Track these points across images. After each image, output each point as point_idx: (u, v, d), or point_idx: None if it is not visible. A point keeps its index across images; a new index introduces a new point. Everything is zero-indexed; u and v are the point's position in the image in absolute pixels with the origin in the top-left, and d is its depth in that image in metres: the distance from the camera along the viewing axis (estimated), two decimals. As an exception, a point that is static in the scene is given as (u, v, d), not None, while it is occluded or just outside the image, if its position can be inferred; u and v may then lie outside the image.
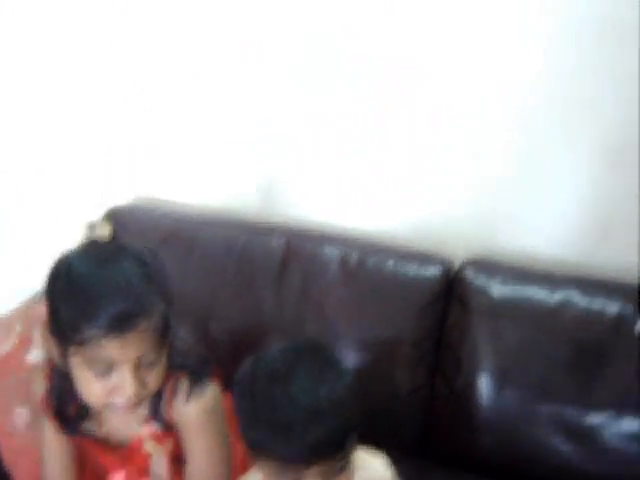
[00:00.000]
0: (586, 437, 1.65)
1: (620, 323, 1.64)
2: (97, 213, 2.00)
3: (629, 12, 1.57)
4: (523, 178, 1.80)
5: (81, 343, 1.19)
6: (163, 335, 1.26)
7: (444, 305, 1.80)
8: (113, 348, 1.19)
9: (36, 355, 1.44)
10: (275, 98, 1.93)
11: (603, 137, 1.71)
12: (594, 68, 1.66)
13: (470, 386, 1.75)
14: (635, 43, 1.59)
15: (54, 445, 1.40)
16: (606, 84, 1.66)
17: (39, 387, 1.37)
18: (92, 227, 1.47)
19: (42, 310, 1.43)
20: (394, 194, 1.92)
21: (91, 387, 1.23)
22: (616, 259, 1.77)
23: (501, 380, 1.72)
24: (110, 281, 1.21)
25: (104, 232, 1.43)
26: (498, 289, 1.73)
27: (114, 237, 1.42)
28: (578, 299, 1.68)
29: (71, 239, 1.90)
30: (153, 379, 1.26)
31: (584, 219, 1.78)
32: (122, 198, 2.11)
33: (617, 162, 1.71)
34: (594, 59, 1.65)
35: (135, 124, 2.09)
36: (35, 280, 1.84)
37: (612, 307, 1.65)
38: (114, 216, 1.99)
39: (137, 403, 1.25)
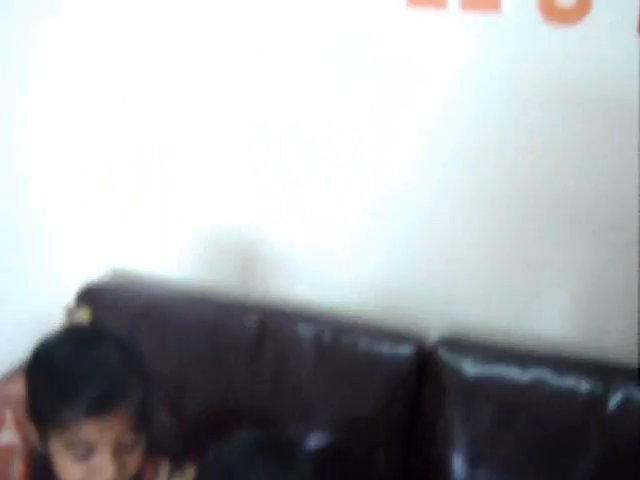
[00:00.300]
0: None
1: (592, 402, 1.66)
2: (71, 285, 2.01)
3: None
4: (495, 256, 1.84)
5: (61, 426, 1.20)
6: (142, 418, 1.26)
7: (417, 384, 1.80)
8: (93, 431, 1.20)
9: (8, 436, 1.41)
10: (248, 177, 1.97)
11: (574, 216, 1.76)
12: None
13: (443, 466, 1.75)
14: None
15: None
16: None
17: (14, 470, 1.35)
18: (71, 311, 1.47)
19: (14, 389, 1.43)
20: (368, 268, 1.95)
21: (71, 471, 1.22)
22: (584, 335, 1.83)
23: (474, 460, 1.73)
24: (90, 365, 1.24)
25: (84, 316, 1.44)
26: (471, 368, 1.75)
27: (93, 320, 1.44)
28: (550, 378, 1.70)
29: (43, 315, 1.91)
30: (133, 462, 1.25)
31: (557, 297, 1.82)
32: (95, 270, 2.11)
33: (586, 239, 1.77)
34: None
35: (109, 198, 2.11)
36: (4, 359, 1.84)
37: (583, 386, 1.67)
38: (87, 292, 1.99)
39: (117, 486, 1.24)
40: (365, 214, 1.90)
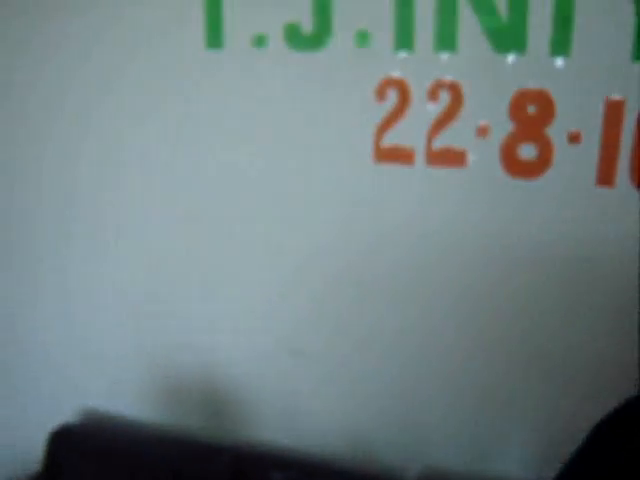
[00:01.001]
0: None
1: None
2: (42, 425, 2.01)
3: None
4: (464, 404, 1.84)
5: None
6: None
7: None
8: None
9: None
10: (217, 320, 1.99)
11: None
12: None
13: None
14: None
15: None
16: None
17: None
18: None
19: None
20: (339, 412, 1.94)
21: None
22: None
23: None
24: None
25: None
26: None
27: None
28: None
29: (16, 456, 1.89)
30: None
31: (534, 441, 1.82)
32: (67, 411, 2.12)
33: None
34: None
35: (81, 338, 2.13)
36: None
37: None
38: (60, 434, 1.98)
39: None
40: (335, 360, 1.92)
